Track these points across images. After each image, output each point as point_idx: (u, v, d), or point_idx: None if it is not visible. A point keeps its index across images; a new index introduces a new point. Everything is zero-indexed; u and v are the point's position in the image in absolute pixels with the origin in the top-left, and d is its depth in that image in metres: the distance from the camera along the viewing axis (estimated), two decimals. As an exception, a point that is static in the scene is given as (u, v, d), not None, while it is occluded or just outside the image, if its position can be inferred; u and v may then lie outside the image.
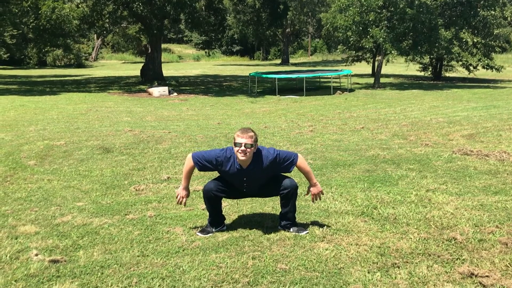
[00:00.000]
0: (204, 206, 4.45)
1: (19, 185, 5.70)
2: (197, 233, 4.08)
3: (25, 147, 7.80)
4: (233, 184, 4.04)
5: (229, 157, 3.90)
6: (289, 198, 4.03)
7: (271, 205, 4.85)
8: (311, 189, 4.06)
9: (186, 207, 4.75)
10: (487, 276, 3.22)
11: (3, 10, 16.19)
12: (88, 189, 5.53)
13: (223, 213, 4.24)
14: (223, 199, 4.19)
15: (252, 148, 3.77)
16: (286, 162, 3.94)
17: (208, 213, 4.18)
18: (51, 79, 26.91)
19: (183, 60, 58.10)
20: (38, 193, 5.38)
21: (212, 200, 4.03)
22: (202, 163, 3.95)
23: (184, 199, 4.11)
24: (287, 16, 38.55)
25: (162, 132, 9.42)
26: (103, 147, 7.83)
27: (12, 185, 5.72)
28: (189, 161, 4.01)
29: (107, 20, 22.52)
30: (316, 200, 4.15)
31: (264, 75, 20.60)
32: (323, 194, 4.17)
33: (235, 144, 3.79)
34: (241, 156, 3.77)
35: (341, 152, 7.49)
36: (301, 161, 3.99)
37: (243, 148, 3.74)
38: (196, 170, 4.05)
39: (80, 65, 45.20)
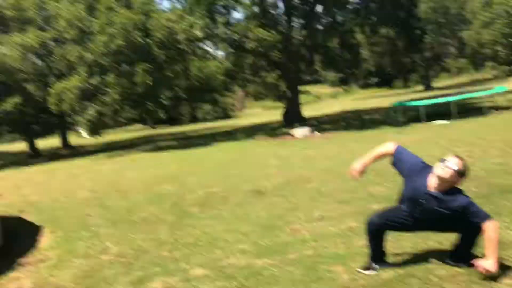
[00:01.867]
0: (363, 243, 4.34)
1: (186, 231, 6.15)
2: (360, 271, 3.96)
3: (187, 196, 8.45)
4: (403, 210, 3.74)
5: (423, 172, 3.57)
6: (472, 234, 3.60)
7: (435, 239, 4.54)
8: (482, 263, 3.41)
9: (344, 246, 4.68)
10: None
11: (160, 76, 18.16)
12: (247, 231, 5.75)
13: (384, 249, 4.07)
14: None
15: (454, 172, 3.41)
16: (473, 217, 3.48)
17: (369, 250, 4.03)
18: (203, 132, 29.09)
19: (321, 100, 58.79)
20: (203, 237, 5.74)
21: (376, 234, 3.88)
22: (401, 157, 3.69)
23: (357, 175, 3.92)
24: (425, 40, 37.08)
25: (309, 171, 9.52)
26: (256, 190, 8.15)
27: (181, 231, 6.20)
28: (389, 147, 3.79)
29: (248, 71, 23.97)
30: (485, 273, 3.44)
31: (407, 104, 19.86)
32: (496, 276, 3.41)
33: (442, 160, 3.49)
34: (440, 170, 3.42)
35: (507, 177, 6.81)
36: (491, 226, 3.44)
37: (447, 164, 3.42)
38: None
39: (227, 117, 48.27)
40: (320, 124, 23.00)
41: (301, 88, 55.71)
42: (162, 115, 38.81)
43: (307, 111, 35.34)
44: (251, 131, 24.38)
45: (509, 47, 20.24)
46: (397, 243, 4.59)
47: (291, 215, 6.32)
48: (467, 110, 19.90)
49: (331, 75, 61.34)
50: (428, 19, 48.95)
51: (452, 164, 3.41)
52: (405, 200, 3.73)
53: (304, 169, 9.90)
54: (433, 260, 3.99)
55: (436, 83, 54.92)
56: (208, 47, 23.58)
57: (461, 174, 3.44)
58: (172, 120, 46.80)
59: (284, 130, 21.92)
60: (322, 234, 5.25)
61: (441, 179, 3.44)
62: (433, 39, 52.00)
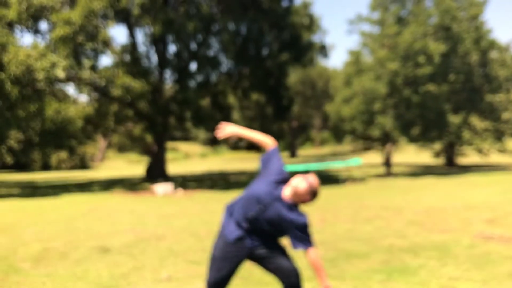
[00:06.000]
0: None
1: (9, 290, 5.27)
2: None
3: (20, 250, 7.42)
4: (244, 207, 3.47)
5: (284, 180, 3.48)
6: (297, 287, 3.44)
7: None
8: None
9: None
10: None
11: (11, 115, 16.47)
12: (82, 292, 5.10)
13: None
14: None
15: (308, 188, 3.36)
16: (305, 238, 3.40)
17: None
18: (55, 182, 26.91)
19: (190, 158, 58.76)
20: (28, 298, 4.94)
21: None
22: (273, 157, 3.55)
23: (224, 134, 3.65)
24: (293, 110, 39.45)
25: (164, 229, 9.03)
26: (101, 247, 7.43)
27: (2, 290, 5.29)
28: (269, 141, 3.63)
29: (112, 120, 22.88)
30: None
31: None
32: None
33: (303, 175, 3.45)
34: (296, 181, 3.37)
35: (354, 242, 7.03)
36: (316, 251, 3.44)
37: (308, 179, 3.39)
38: None
39: (85, 167, 45.40)
40: (185, 182, 22.65)
41: (171, 144, 55.32)
42: (9, 159, 35.07)
43: (174, 167, 34.89)
44: (109, 184, 23.11)
45: (365, 122, 22.17)
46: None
47: (136, 274, 5.77)
48: (325, 178, 21.09)
49: (202, 134, 62.10)
50: (297, 91, 52.58)
51: (310, 180, 3.39)
52: (247, 199, 3.48)
53: (159, 227, 9.37)
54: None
55: (301, 151, 58.31)
56: (70, 89, 22.22)
57: (313, 192, 3.41)
58: (20, 166, 42.45)
59: (146, 185, 21.14)
60: (165, 297, 4.80)
61: (294, 190, 3.38)
62: (300, 110, 55.69)
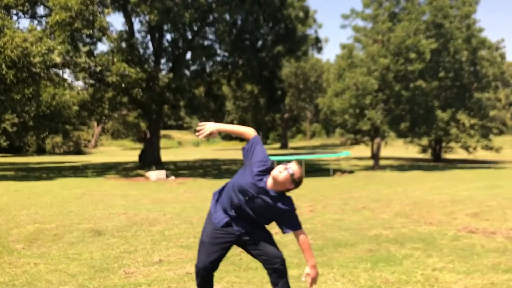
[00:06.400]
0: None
1: (3, 269, 5.39)
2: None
3: (14, 231, 7.52)
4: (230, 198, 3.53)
5: (268, 170, 3.48)
6: (281, 273, 3.52)
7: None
8: (311, 271, 3.46)
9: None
10: None
11: (6, 98, 16.47)
12: (75, 273, 5.22)
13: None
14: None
15: (289, 177, 3.36)
16: (292, 222, 3.49)
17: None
18: (49, 165, 26.91)
19: (183, 146, 58.76)
20: (22, 277, 5.06)
21: (204, 279, 3.61)
22: (256, 146, 3.54)
23: (204, 133, 3.62)
24: (285, 102, 39.57)
25: (156, 214, 9.17)
26: (94, 230, 7.56)
27: (-5, 269, 5.41)
28: (250, 131, 3.64)
29: (107, 106, 22.89)
30: (314, 284, 3.53)
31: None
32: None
33: (284, 163, 3.44)
34: (276, 171, 3.36)
35: (342, 232, 7.22)
36: (304, 233, 3.52)
37: (289, 167, 3.38)
38: None
39: (79, 152, 45.38)
40: (178, 169, 22.76)
41: (165, 132, 55.21)
42: (2, 142, 34.99)
43: (167, 155, 34.92)
44: (102, 169, 23.18)
45: (355, 116, 22.37)
46: (231, 290, 4.48)
47: (128, 257, 5.90)
48: (315, 169, 21.30)
49: (196, 122, 62.07)
50: (290, 83, 52.65)
51: (291, 169, 3.40)
52: (232, 188, 3.54)
53: (152, 212, 9.51)
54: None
55: (292, 143, 58.49)
56: (66, 74, 22.18)
57: (294, 180, 3.41)
58: (15, 150, 42.37)
59: (139, 171, 21.23)
60: (157, 279, 4.95)
61: (275, 179, 3.39)
62: (293, 102, 55.80)
